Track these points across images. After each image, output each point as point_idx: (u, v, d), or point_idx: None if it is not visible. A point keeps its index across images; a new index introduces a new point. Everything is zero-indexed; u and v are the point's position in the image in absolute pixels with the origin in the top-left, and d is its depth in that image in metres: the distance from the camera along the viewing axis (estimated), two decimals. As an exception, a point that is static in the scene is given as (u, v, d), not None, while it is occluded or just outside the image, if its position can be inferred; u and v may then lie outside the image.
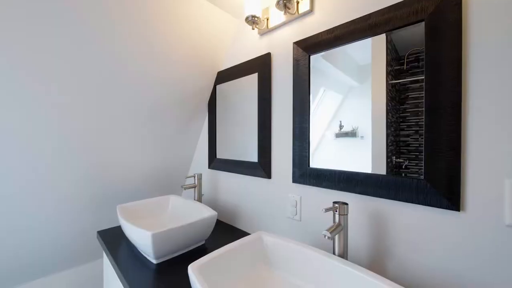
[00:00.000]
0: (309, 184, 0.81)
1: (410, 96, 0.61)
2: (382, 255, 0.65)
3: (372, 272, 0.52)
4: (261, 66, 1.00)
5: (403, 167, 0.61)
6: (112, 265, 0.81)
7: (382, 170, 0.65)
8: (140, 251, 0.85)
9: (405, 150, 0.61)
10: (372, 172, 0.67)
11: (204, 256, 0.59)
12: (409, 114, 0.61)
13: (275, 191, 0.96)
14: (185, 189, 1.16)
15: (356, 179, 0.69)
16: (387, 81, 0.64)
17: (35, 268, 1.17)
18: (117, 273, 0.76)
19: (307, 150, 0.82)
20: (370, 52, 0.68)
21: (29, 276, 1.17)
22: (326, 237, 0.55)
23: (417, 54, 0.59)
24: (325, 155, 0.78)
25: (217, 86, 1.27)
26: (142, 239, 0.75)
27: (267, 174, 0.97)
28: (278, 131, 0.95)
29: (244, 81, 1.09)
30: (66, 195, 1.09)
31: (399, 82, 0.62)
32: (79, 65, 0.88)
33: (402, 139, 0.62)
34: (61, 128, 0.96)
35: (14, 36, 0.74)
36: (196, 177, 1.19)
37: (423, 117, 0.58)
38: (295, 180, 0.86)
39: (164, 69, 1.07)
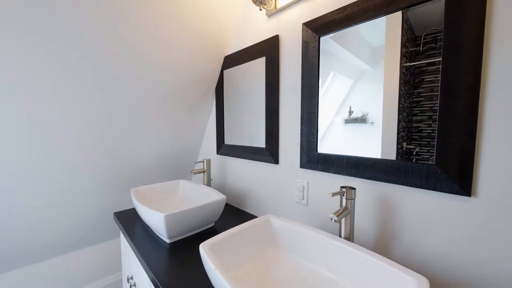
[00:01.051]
0: (317, 170, 0.82)
1: (425, 80, 0.58)
2: (388, 239, 0.66)
3: (376, 254, 0.53)
4: (268, 49, 0.98)
5: (414, 153, 0.60)
6: (129, 243, 0.87)
7: (391, 156, 0.64)
8: (154, 231, 0.90)
9: (417, 136, 0.60)
10: (381, 158, 0.66)
11: (215, 236, 0.62)
12: (423, 98, 0.58)
13: (282, 176, 0.97)
14: (194, 173, 1.19)
15: (364, 164, 0.69)
16: (401, 63, 0.61)
17: (61, 245, 1.28)
18: (133, 251, 0.81)
19: (315, 136, 0.82)
20: (384, 32, 0.64)
21: (56, 252, 1.28)
22: (333, 220, 0.56)
23: (435, 34, 0.56)
24: (333, 141, 0.78)
25: (224, 71, 1.25)
26: (156, 220, 0.79)
27: (275, 160, 0.98)
28: (286, 116, 0.94)
29: (252, 66, 1.07)
30: (86, 180, 1.16)
31: (414, 64, 0.59)
32: (87, 55, 0.88)
33: (414, 125, 0.60)
34: (77, 119, 1.00)
35: (32, 27, 0.74)
36: (205, 162, 1.22)
37: (438, 101, 0.56)
38: (303, 165, 0.86)
39: (170, 54, 1.06)
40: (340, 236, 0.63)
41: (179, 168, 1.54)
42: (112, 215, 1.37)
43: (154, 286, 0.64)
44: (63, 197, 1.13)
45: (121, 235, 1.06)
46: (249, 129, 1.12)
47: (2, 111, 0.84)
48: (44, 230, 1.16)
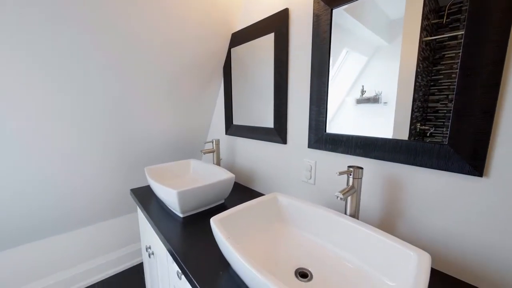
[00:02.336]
0: (325, 150, 0.82)
1: (446, 56, 0.54)
2: (395, 217, 0.67)
3: (380, 230, 0.55)
4: (277, 24, 0.93)
5: (428, 134, 0.58)
6: (146, 217, 0.93)
7: (403, 137, 0.63)
8: (168, 207, 0.95)
9: (432, 117, 0.57)
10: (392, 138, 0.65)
11: (225, 211, 0.65)
12: (442, 76, 0.55)
13: (290, 156, 0.98)
14: (204, 153, 1.22)
15: (374, 144, 0.68)
16: (421, 38, 0.57)
17: (86, 217, 1.40)
18: (150, 224, 0.88)
19: (324, 115, 0.80)
20: (404, 2, 0.59)
21: (82, 224, 1.42)
22: (338, 198, 0.57)
23: (461, 4, 0.51)
24: (343, 121, 0.76)
25: (232, 49, 1.21)
26: (169, 196, 0.84)
27: (283, 140, 0.98)
28: (295, 96, 0.92)
29: (260, 43, 1.03)
30: (104, 160, 1.24)
31: (436, 39, 0.55)
32: (95, 36, 0.88)
33: (430, 104, 0.57)
34: (94, 105, 1.05)
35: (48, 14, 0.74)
36: (214, 143, 1.24)
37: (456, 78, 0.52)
38: (311, 145, 0.86)
39: (176, 33, 1.03)
40: (345, 213, 0.64)
41: (190, 148, 1.58)
42: (128, 191, 1.46)
43: (171, 255, 0.70)
44: (88, 176, 1.24)
45: (138, 210, 1.13)
46: (258, 109, 1.11)
47: (46, 102, 0.93)
48: (73, 205, 1.28)
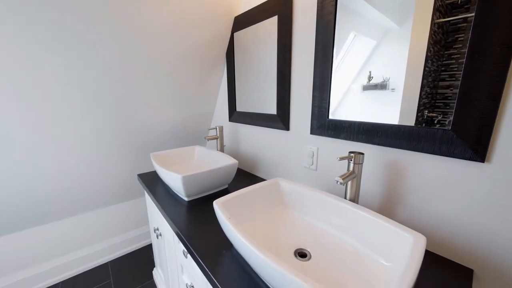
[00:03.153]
0: (327, 136, 0.81)
1: (459, 39, 0.51)
2: (394, 203, 0.68)
3: (377, 213, 0.56)
4: (281, 6, 0.89)
5: (435, 122, 0.57)
6: (153, 201, 0.97)
7: (410, 125, 0.61)
8: (174, 191, 0.99)
9: (441, 104, 0.55)
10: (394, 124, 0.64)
11: (228, 194, 0.67)
12: (454, 61, 0.53)
13: (293, 142, 0.98)
14: (208, 140, 1.24)
15: (376, 130, 0.67)
16: (433, 19, 0.54)
17: (97, 201, 1.47)
18: (157, 207, 0.91)
19: (327, 102, 0.79)
20: (417, -20, 0.56)
21: (93, 207, 1.49)
22: (338, 183, 0.58)
23: (478, -19, 0.47)
24: (349, 108, 0.74)
25: (235, 34, 1.18)
26: (174, 180, 0.87)
27: (286, 126, 0.98)
28: (298, 82, 0.91)
29: (263, 26, 1.00)
30: (112, 147, 1.28)
31: (449, 20, 0.52)
32: (96, 25, 0.87)
33: (440, 91, 0.55)
34: (104, 97, 1.08)
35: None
36: (217, 129, 1.25)
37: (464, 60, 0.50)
38: (313, 131, 0.86)
39: (177, 17, 1.00)
40: (345, 198, 0.65)
41: (194, 135, 1.60)
42: (136, 177, 1.51)
43: (177, 236, 0.73)
44: (101, 163, 1.29)
45: (146, 194, 1.18)
46: (261, 96, 1.10)
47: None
48: (88, 188, 1.35)
